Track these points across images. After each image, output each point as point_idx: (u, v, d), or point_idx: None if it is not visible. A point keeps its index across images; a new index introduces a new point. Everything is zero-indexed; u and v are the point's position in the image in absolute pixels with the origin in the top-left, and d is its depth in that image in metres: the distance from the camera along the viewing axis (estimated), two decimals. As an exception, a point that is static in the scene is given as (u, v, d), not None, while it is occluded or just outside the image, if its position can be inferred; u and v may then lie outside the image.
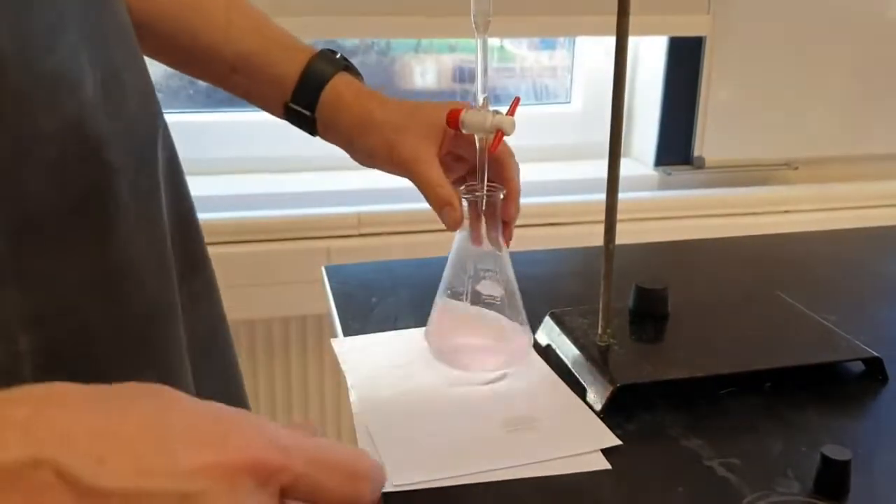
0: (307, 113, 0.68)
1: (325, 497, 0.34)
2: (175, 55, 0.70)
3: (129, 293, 0.51)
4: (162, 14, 0.67)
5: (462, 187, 0.67)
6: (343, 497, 0.34)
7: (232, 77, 0.69)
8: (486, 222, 0.69)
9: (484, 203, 0.67)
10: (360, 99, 0.68)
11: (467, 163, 0.70)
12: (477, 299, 0.69)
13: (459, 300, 0.70)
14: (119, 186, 0.49)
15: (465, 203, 0.67)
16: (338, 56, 0.70)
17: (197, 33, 0.67)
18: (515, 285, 0.70)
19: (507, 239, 0.70)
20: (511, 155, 0.70)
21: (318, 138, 0.72)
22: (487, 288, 0.70)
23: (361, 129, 0.67)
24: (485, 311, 0.70)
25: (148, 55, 0.70)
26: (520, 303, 0.71)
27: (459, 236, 0.69)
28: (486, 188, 0.67)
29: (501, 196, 0.68)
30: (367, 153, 0.68)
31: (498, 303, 0.70)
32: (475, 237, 0.69)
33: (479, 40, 0.65)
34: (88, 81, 0.46)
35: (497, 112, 0.64)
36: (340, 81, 0.68)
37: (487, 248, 0.69)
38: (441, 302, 0.71)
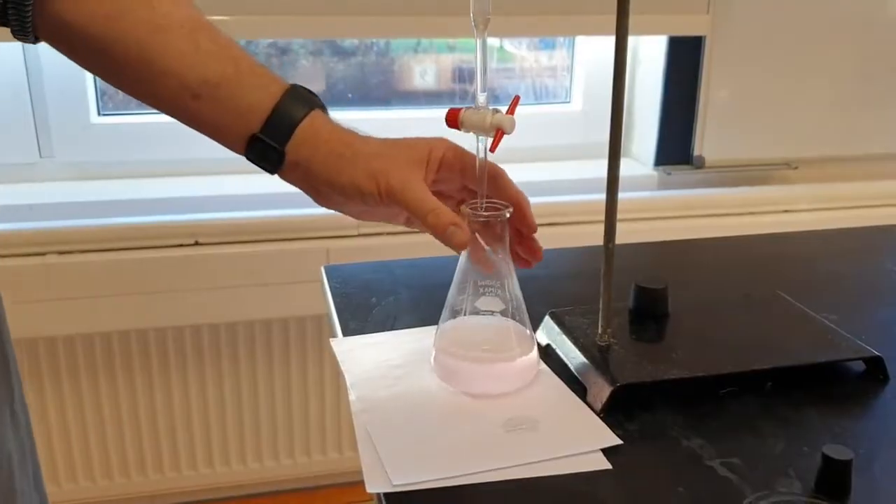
0: (276, 146, 0.63)
1: None
2: (121, 79, 0.64)
3: None
4: (110, 36, 0.61)
5: (464, 206, 0.66)
6: None
7: (190, 105, 0.63)
8: (492, 245, 0.67)
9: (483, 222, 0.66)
10: (337, 133, 0.64)
11: (452, 199, 0.68)
12: (486, 313, 0.68)
13: (467, 320, 0.69)
14: None
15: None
16: (312, 94, 0.66)
17: (153, 58, 0.61)
18: (522, 303, 0.69)
19: (537, 251, 0.69)
20: (502, 170, 0.68)
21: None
22: (487, 304, 0.68)
23: (341, 163, 0.63)
24: (490, 332, 0.69)
25: (92, 73, 0.66)
26: (527, 321, 0.70)
27: (464, 257, 0.68)
28: (488, 206, 0.66)
29: (507, 215, 0.66)
30: (350, 189, 0.63)
31: (508, 318, 0.68)
32: (483, 261, 0.67)
33: (478, 40, 0.64)
34: None
35: (497, 111, 0.64)
36: (317, 117, 0.65)
37: (494, 268, 0.68)
38: (446, 323, 0.70)
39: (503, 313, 0.68)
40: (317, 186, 0.65)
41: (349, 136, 0.65)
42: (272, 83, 0.64)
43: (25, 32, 0.61)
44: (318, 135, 0.64)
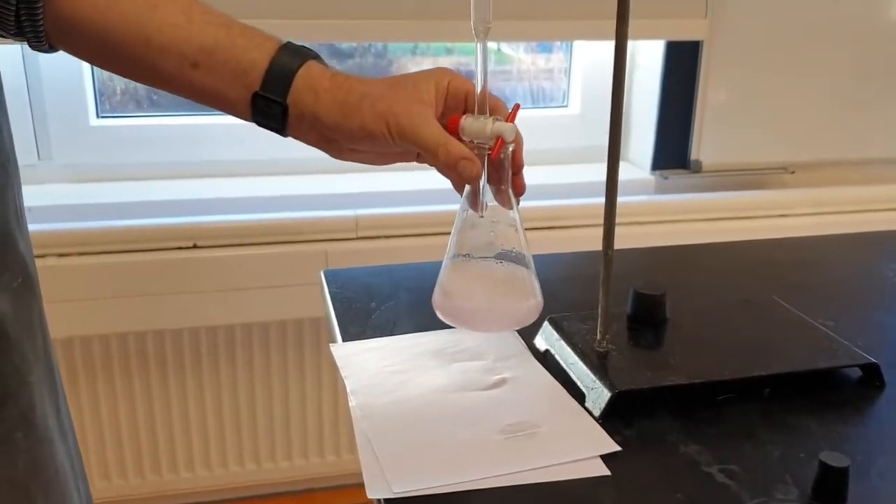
0: (279, 101, 0.64)
1: None
2: (123, 63, 0.65)
3: None
4: (110, 23, 0.62)
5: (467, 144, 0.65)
6: None
7: (192, 75, 0.64)
8: (493, 180, 0.67)
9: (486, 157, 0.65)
10: (337, 80, 0.65)
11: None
12: (490, 255, 0.68)
13: (470, 261, 0.69)
14: None
15: None
16: (305, 48, 0.67)
17: (151, 35, 0.62)
18: (526, 242, 0.69)
19: (522, 188, 0.68)
20: (504, 106, 0.67)
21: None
22: (502, 241, 0.68)
23: (347, 108, 0.64)
24: (495, 271, 0.69)
25: (97, 65, 0.68)
26: (531, 262, 0.69)
27: (464, 199, 0.68)
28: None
29: (511, 149, 0.66)
30: (360, 133, 0.64)
31: (513, 259, 0.68)
32: (481, 199, 0.67)
33: (478, 46, 0.65)
34: None
35: (497, 119, 0.64)
36: (313, 66, 0.65)
37: (496, 208, 0.68)
38: (450, 264, 0.69)
39: (507, 251, 0.68)
40: (328, 136, 0.66)
41: (350, 80, 0.65)
42: (266, 41, 0.65)
43: (39, 39, 0.62)
44: (317, 82, 0.64)
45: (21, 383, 0.62)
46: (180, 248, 1.45)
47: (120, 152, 1.60)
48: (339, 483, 1.68)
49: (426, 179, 1.61)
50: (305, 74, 0.64)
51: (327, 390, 1.61)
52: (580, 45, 1.77)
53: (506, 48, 1.79)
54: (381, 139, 0.64)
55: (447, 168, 0.64)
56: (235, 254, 1.46)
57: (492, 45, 0.65)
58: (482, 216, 0.68)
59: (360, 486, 0.60)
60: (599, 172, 0.70)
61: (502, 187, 0.67)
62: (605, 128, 0.68)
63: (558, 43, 1.79)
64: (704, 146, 1.72)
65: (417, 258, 0.98)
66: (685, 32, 1.64)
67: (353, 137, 0.65)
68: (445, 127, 0.65)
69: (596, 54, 1.75)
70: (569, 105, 1.81)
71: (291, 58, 0.64)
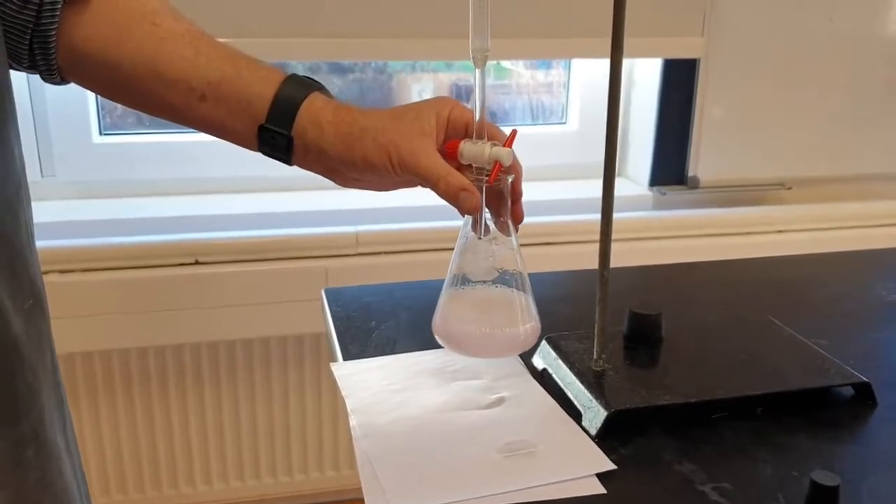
0: (283, 132, 0.65)
1: None
2: (132, 95, 0.67)
3: None
4: (121, 56, 0.64)
5: (467, 173, 0.67)
6: None
7: (200, 107, 0.66)
8: (493, 209, 0.69)
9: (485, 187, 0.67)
10: (340, 113, 0.66)
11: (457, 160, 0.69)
12: (489, 280, 0.70)
13: (470, 286, 0.70)
14: None
15: None
16: (310, 79, 0.69)
17: (160, 69, 0.64)
18: (525, 269, 0.70)
19: (521, 216, 0.70)
20: (499, 129, 0.69)
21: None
22: (501, 267, 0.70)
23: (350, 140, 0.65)
24: (494, 297, 0.70)
25: (107, 97, 0.70)
26: (529, 288, 0.71)
27: (464, 225, 0.70)
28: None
29: (510, 180, 0.68)
30: (363, 164, 0.65)
31: (512, 285, 0.70)
32: (480, 226, 0.69)
33: (476, 73, 0.66)
34: None
35: (494, 144, 0.66)
36: (317, 99, 0.67)
37: (495, 234, 0.70)
38: (450, 289, 0.71)
39: (506, 276, 0.70)
40: (332, 167, 0.67)
41: (352, 113, 0.66)
42: (271, 74, 0.66)
43: (52, 72, 0.64)
44: (320, 115, 0.66)
45: (33, 401, 0.64)
46: (182, 264, 1.46)
47: (122, 169, 1.61)
48: (339, 498, 1.69)
49: (426, 196, 1.62)
50: (309, 107, 0.66)
51: (327, 405, 1.62)
52: (579, 62, 1.78)
53: (505, 62, 1.80)
54: (384, 170, 0.66)
55: (447, 199, 0.66)
56: (237, 270, 1.47)
57: (491, 60, 0.67)
58: (481, 237, 0.69)
59: (360, 501, 0.61)
60: (598, 188, 0.71)
61: (501, 219, 0.69)
62: (603, 144, 0.69)
63: (557, 58, 1.80)
64: (702, 162, 1.73)
65: (418, 274, 0.99)
66: (682, 51, 1.66)
67: (356, 169, 0.66)
68: (444, 152, 0.67)
69: (595, 70, 1.77)
70: (567, 122, 1.82)
71: (295, 90, 0.66)
